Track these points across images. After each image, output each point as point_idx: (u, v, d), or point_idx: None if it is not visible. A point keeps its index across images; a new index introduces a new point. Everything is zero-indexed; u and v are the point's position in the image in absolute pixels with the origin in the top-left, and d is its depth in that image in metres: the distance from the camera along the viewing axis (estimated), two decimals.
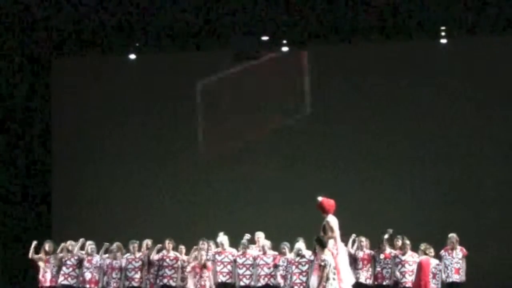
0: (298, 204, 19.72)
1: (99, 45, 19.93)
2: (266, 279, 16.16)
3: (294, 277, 16.11)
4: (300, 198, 19.82)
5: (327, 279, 12.75)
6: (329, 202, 13.63)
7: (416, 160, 19.77)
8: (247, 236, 16.43)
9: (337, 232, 13.34)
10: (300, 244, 16.22)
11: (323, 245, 12.74)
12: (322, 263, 12.83)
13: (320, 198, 13.68)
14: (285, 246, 16.38)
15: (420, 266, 15.07)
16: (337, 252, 13.11)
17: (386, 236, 16.21)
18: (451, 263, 16.06)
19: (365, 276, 16.20)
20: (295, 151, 20.22)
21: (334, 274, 12.80)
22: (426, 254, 15.16)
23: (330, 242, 13.10)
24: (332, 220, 13.38)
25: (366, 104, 20.04)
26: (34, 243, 17.07)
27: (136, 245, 16.78)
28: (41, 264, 16.95)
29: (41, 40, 19.74)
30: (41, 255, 16.96)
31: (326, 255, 12.81)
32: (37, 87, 21.21)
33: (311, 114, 20.33)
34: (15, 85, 20.86)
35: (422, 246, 15.21)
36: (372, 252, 16.24)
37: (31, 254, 17.01)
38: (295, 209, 19.62)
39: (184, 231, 18.05)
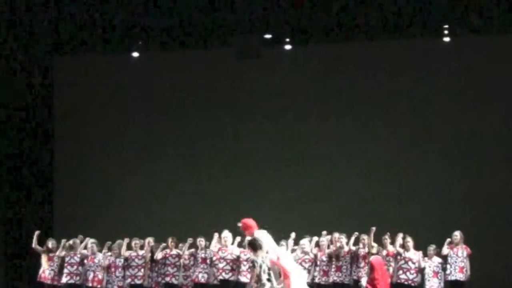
0: (300, 204, 19.78)
1: (101, 44, 19.90)
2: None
3: None
4: (302, 197, 19.87)
5: (259, 280, 12.79)
6: (249, 222, 13.38)
7: (419, 159, 19.73)
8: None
9: (270, 244, 13.01)
10: (305, 241, 16.25)
11: (254, 248, 12.81)
12: (253, 264, 13.16)
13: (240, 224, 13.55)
14: (284, 244, 16.41)
15: (371, 266, 15.07)
16: (278, 257, 12.95)
17: (387, 236, 16.21)
18: (456, 261, 16.02)
19: (366, 274, 16.15)
20: (297, 150, 20.19)
21: (269, 275, 12.75)
22: (377, 253, 15.38)
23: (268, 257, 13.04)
24: (260, 237, 13.16)
25: (369, 103, 20.02)
26: (37, 232, 17.09)
27: (138, 243, 16.79)
28: (43, 259, 16.95)
29: (43, 39, 19.71)
30: (45, 249, 16.97)
31: (258, 257, 12.85)
32: (39, 86, 21.18)
33: (313, 113, 20.30)
34: (17, 85, 20.84)
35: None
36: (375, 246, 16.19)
37: (34, 243, 17.01)
38: (296, 208, 19.66)
39: (186, 230, 17.99)
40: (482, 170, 19.44)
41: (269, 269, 12.69)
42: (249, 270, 16.17)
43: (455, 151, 19.59)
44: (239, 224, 13.21)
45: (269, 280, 12.63)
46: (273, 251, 12.71)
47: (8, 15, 18.52)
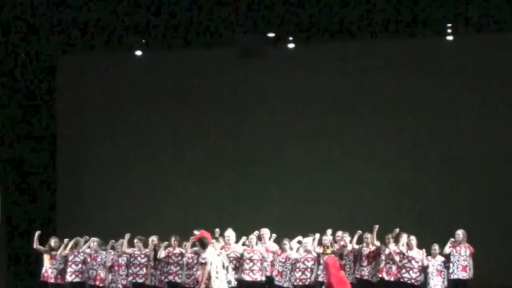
0: (302, 203, 19.79)
1: (105, 42, 19.90)
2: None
3: (299, 273, 16.13)
4: (305, 196, 19.89)
5: (209, 277, 13.21)
6: (205, 235, 13.92)
7: (423, 158, 19.75)
8: (256, 233, 16.46)
9: (216, 262, 13.58)
10: (307, 240, 16.25)
11: (203, 245, 13.35)
12: (203, 261, 13.34)
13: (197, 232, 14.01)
14: (286, 242, 16.45)
15: (326, 265, 15.08)
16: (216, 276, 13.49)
17: (391, 235, 16.20)
18: (458, 260, 16.01)
19: (370, 273, 16.16)
20: (300, 149, 20.20)
21: (217, 273, 13.23)
22: (332, 252, 15.49)
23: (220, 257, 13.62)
24: (209, 254, 13.62)
25: (372, 102, 20.02)
26: (38, 233, 17.10)
27: (141, 241, 16.78)
28: (46, 258, 16.95)
29: (46, 38, 19.70)
30: (47, 249, 16.97)
31: (207, 254, 13.27)
32: (42, 85, 21.19)
33: (316, 112, 20.29)
34: (20, 84, 20.84)
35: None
36: (378, 245, 16.19)
37: (35, 244, 17.00)
38: (298, 207, 19.67)
39: (189, 229, 17.95)
40: (486, 169, 19.43)
41: (217, 267, 13.25)
42: (252, 268, 16.18)
43: (458, 150, 19.59)
44: (196, 232, 13.84)
45: (217, 278, 13.18)
46: (219, 267, 13.31)
47: (11, 15, 18.51)
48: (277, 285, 16.36)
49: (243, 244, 16.45)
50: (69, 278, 16.84)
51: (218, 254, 14.04)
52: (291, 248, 16.44)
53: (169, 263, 16.64)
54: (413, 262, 15.94)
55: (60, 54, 20.89)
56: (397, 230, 16.07)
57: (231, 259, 16.30)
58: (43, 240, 17.18)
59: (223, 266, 13.56)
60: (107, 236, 17.25)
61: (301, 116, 20.34)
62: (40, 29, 19.28)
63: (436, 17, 18.66)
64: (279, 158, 20.26)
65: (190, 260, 16.70)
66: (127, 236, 16.84)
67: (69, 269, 16.85)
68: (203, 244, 13.49)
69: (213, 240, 16.44)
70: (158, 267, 16.78)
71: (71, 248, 16.92)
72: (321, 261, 16.20)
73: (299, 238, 16.44)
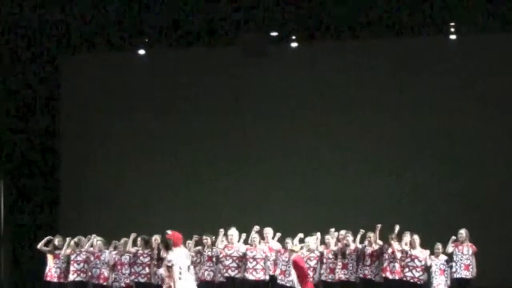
0: (305, 202, 19.79)
1: (108, 41, 19.90)
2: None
3: None
4: (308, 195, 19.89)
5: (173, 278, 13.32)
6: (177, 236, 13.82)
7: (424, 158, 19.73)
8: (257, 228, 16.46)
9: (183, 263, 13.56)
10: (310, 239, 16.26)
11: (167, 247, 13.39)
12: (169, 264, 13.38)
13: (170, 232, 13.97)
14: (289, 241, 16.45)
15: (296, 265, 15.06)
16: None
17: (394, 234, 16.19)
18: (461, 259, 16.01)
19: (373, 272, 16.15)
20: (303, 148, 20.20)
21: (181, 274, 13.31)
22: (295, 251, 15.36)
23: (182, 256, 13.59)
24: (175, 255, 13.55)
25: (375, 101, 20.01)
26: (48, 237, 17.07)
27: (144, 240, 16.79)
28: (50, 258, 16.95)
29: (49, 37, 19.71)
30: (50, 248, 16.97)
31: (172, 256, 13.34)
32: (45, 84, 21.19)
33: (319, 111, 20.29)
34: (24, 83, 20.86)
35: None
36: (381, 244, 16.19)
37: (40, 245, 17.00)
38: (302, 206, 19.68)
39: (192, 228, 17.98)
40: (489, 169, 19.43)
41: (180, 268, 13.26)
42: (255, 267, 16.19)
43: (460, 149, 19.58)
44: (169, 232, 13.72)
45: (180, 279, 13.20)
46: (185, 271, 13.31)
47: (15, 14, 18.51)
48: (280, 284, 16.36)
49: (245, 242, 16.46)
50: (71, 277, 16.84)
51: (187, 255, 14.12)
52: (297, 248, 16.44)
53: None
54: (416, 261, 15.93)
55: (63, 53, 20.88)
56: (397, 226, 16.05)
57: (234, 258, 16.33)
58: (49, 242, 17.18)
59: (188, 268, 13.71)
60: (110, 236, 17.25)
61: (304, 115, 20.34)
62: (43, 28, 19.26)
63: (439, 17, 18.64)
64: (282, 157, 20.25)
65: (194, 259, 16.70)
66: (133, 235, 16.85)
67: (71, 268, 16.84)
68: (166, 245, 13.57)
69: (218, 239, 16.53)
70: (161, 266, 16.77)
71: (74, 246, 16.90)
72: (324, 260, 16.26)
73: (300, 235, 16.45)
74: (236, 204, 20.00)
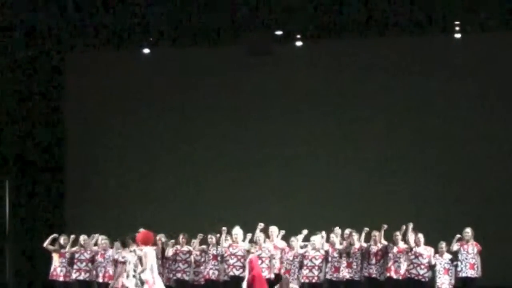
0: (310, 201, 19.78)
1: (113, 40, 19.92)
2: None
3: (307, 271, 16.15)
4: (313, 194, 19.88)
5: (127, 275, 13.77)
6: (147, 235, 14.23)
7: (430, 157, 19.71)
8: (261, 225, 16.47)
9: (154, 264, 14.01)
10: (316, 238, 16.26)
11: (124, 245, 14.13)
12: (122, 260, 14.05)
13: (140, 230, 14.44)
14: (294, 240, 16.47)
15: (251, 264, 15.13)
16: (153, 281, 13.86)
17: (400, 233, 16.18)
18: (466, 258, 15.98)
19: (377, 271, 16.14)
20: (309, 147, 20.19)
21: (135, 271, 13.67)
22: (252, 252, 15.65)
23: (147, 273, 13.86)
24: (149, 252, 13.99)
25: (380, 99, 20.00)
26: (53, 235, 17.11)
27: None
28: (55, 257, 16.98)
29: (54, 35, 19.73)
30: (56, 247, 16.99)
31: (127, 253, 13.85)
32: (50, 83, 21.21)
33: (324, 110, 20.28)
34: (29, 82, 20.89)
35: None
36: (385, 243, 16.18)
37: (46, 243, 17.03)
38: (307, 205, 19.66)
39: (196, 227, 18.00)
40: (494, 168, 19.40)
41: (135, 266, 13.69)
42: (260, 266, 16.19)
43: (467, 148, 19.56)
44: (141, 230, 14.32)
45: (134, 276, 13.65)
46: (151, 269, 13.76)
47: (19, 13, 18.54)
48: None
49: (250, 241, 16.46)
50: (74, 275, 16.85)
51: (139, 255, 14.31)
52: (301, 246, 16.48)
53: (177, 261, 16.66)
54: (420, 258, 15.91)
55: (67, 51, 20.90)
56: (404, 227, 16.06)
57: (239, 257, 16.34)
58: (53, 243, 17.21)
59: (136, 265, 13.95)
60: (114, 235, 17.24)
61: (309, 114, 20.32)
62: (47, 27, 19.28)
63: (445, 16, 18.62)
64: (287, 155, 20.24)
65: (198, 258, 16.72)
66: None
67: (74, 267, 16.86)
68: (123, 243, 14.16)
69: (222, 238, 16.55)
70: (166, 265, 16.80)
71: (78, 245, 16.92)
72: (329, 258, 16.27)
73: (305, 232, 16.46)
74: (240, 203, 19.99)
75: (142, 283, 13.81)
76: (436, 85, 19.73)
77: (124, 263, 13.90)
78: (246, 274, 15.27)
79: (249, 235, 16.45)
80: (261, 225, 16.47)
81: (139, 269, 13.80)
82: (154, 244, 16.20)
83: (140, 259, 13.97)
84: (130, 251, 14.15)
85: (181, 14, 18.64)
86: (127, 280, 13.86)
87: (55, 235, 17.11)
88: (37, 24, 19.06)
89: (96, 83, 21.17)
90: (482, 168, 19.41)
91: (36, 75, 20.90)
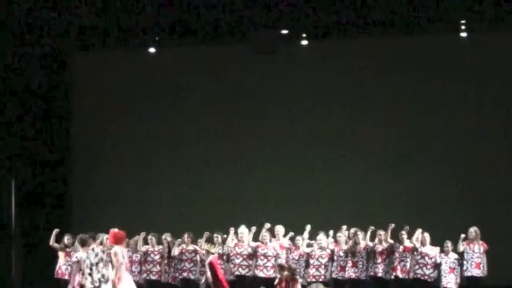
0: (317, 200, 19.77)
1: (118, 39, 19.93)
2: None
3: (313, 270, 16.16)
4: (319, 193, 19.87)
5: (83, 274, 14.07)
6: (117, 234, 14.51)
7: (436, 156, 19.69)
8: (267, 225, 16.49)
9: (122, 263, 14.25)
10: (322, 237, 16.28)
11: (82, 243, 14.25)
12: (76, 259, 14.26)
13: (111, 230, 14.67)
14: (300, 239, 16.48)
15: (212, 266, 15.14)
16: (118, 280, 14.10)
17: (404, 231, 16.19)
18: (472, 257, 16.00)
19: (383, 270, 16.14)
20: (314, 145, 20.18)
21: (91, 270, 14.01)
22: (212, 253, 15.73)
23: (114, 272, 14.17)
24: (119, 251, 14.26)
25: (385, 98, 19.98)
26: (56, 231, 17.16)
27: (154, 235, 16.84)
28: (61, 256, 17.00)
29: (60, 35, 19.75)
30: (62, 246, 17.02)
31: (81, 253, 14.13)
32: (57, 82, 21.24)
33: (329, 109, 20.28)
34: (35, 81, 20.91)
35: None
36: (391, 242, 16.17)
37: (51, 241, 17.07)
38: (313, 204, 19.65)
39: (202, 226, 18.00)
40: (499, 167, 19.37)
41: (91, 264, 13.99)
42: (265, 265, 16.21)
43: (472, 147, 19.53)
44: (115, 230, 14.49)
45: (90, 274, 13.91)
46: (119, 268, 14.00)
47: (26, 12, 18.56)
48: None
49: (255, 239, 16.48)
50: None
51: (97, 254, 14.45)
52: (307, 245, 16.50)
53: (183, 260, 16.67)
54: (426, 258, 15.94)
55: (74, 51, 20.91)
56: (408, 227, 16.07)
57: (244, 256, 16.35)
58: (59, 239, 17.21)
59: (96, 264, 14.08)
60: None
61: (314, 113, 20.31)
62: (54, 26, 19.30)
63: (450, 14, 18.59)
64: (294, 154, 20.23)
65: (204, 257, 16.72)
66: (142, 234, 16.90)
67: None
68: (82, 242, 14.29)
69: (229, 238, 16.56)
70: (171, 264, 16.82)
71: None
72: (335, 258, 16.27)
73: (308, 227, 16.48)
74: (246, 202, 19.99)
75: (107, 281, 14.02)
76: (439, 85, 19.69)
77: (78, 262, 14.13)
78: (207, 276, 15.23)
79: (255, 229, 16.50)
80: (267, 225, 16.49)
81: (110, 269, 14.18)
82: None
83: (110, 258, 14.32)
84: (90, 250, 14.35)
85: (187, 12, 18.63)
86: (83, 279, 14.07)
87: (56, 230, 17.15)
88: (44, 23, 19.08)
89: (103, 82, 21.18)
90: (490, 166, 19.37)
91: (42, 73, 20.90)
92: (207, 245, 15.47)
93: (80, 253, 14.27)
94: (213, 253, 15.37)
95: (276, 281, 14.86)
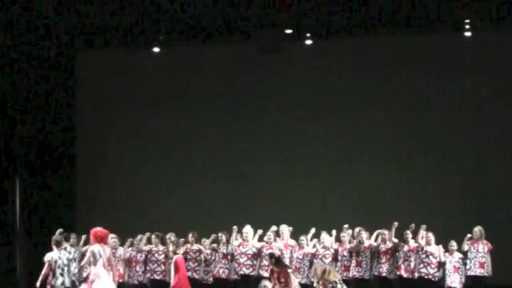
0: (321, 199, 19.78)
1: (123, 39, 19.93)
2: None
3: None
4: (323, 193, 19.88)
5: (54, 274, 14.22)
6: (98, 233, 14.65)
7: (441, 156, 19.68)
8: (274, 228, 16.50)
9: (99, 260, 14.34)
10: (325, 236, 16.28)
11: (57, 244, 14.44)
12: (47, 259, 14.34)
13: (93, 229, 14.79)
14: (304, 238, 16.48)
15: (177, 266, 15.03)
16: (94, 278, 14.28)
17: (409, 231, 16.19)
18: (476, 257, 15.99)
19: (387, 270, 16.13)
20: (317, 145, 20.18)
21: (62, 270, 14.20)
22: (177, 253, 15.48)
23: (93, 269, 14.37)
24: (95, 250, 14.41)
25: (390, 97, 19.98)
26: (59, 230, 17.15)
27: (158, 234, 16.85)
28: None
29: (64, 35, 19.76)
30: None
31: (52, 253, 14.34)
32: (61, 83, 21.25)
33: (333, 108, 20.27)
34: (40, 81, 20.92)
35: None
36: (396, 241, 16.17)
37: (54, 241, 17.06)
38: (317, 204, 19.66)
39: (206, 225, 18.03)
40: (504, 167, 19.36)
41: (64, 264, 14.17)
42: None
43: (477, 147, 19.53)
44: (98, 228, 14.63)
45: (62, 274, 14.08)
46: (95, 265, 14.18)
47: (30, 12, 18.58)
48: None
49: (260, 239, 16.48)
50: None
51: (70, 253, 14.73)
52: (307, 244, 16.49)
53: (187, 260, 16.67)
54: (431, 257, 15.95)
55: (78, 50, 20.93)
56: (413, 225, 16.07)
57: (249, 256, 16.35)
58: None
59: (65, 264, 14.26)
60: (124, 234, 17.30)
61: (318, 112, 20.31)
62: (58, 26, 19.31)
63: (454, 14, 18.58)
64: (297, 154, 20.23)
65: (209, 257, 16.74)
66: (147, 234, 16.91)
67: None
68: (57, 243, 14.41)
69: (233, 237, 16.56)
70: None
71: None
72: (339, 257, 16.28)
73: (313, 230, 16.49)
74: (250, 202, 20.01)
75: (83, 280, 14.13)
76: (444, 84, 19.70)
77: (49, 262, 14.25)
78: (172, 276, 15.26)
79: (261, 232, 16.53)
80: (274, 228, 16.51)
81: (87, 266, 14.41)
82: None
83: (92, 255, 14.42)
84: (63, 250, 14.57)
85: (191, 12, 18.64)
86: (53, 279, 14.21)
87: (60, 230, 17.15)
88: (49, 23, 19.09)
89: (107, 82, 21.19)
90: (495, 166, 19.36)
91: (48, 74, 20.91)
92: (173, 246, 15.46)
93: (52, 253, 14.35)
94: (178, 253, 15.35)
95: (269, 272, 14.85)
